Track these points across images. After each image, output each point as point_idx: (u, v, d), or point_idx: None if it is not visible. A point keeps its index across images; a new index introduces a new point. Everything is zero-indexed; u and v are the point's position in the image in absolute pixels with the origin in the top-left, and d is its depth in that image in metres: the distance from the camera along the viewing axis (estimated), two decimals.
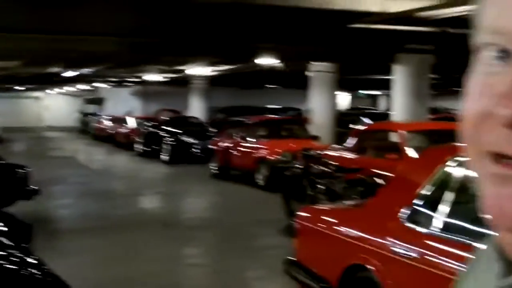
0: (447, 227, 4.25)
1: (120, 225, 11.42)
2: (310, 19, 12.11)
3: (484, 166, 0.67)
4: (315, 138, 17.00)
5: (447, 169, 4.51)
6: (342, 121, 22.41)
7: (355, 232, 5.16)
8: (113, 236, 10.47)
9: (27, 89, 50.72)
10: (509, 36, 0.65)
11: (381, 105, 45.81)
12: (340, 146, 13.33)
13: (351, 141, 12.63)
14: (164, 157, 22.63)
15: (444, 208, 4.33)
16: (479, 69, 0.69)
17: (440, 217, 4.32)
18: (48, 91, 53.28)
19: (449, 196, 4.34)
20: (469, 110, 0.69)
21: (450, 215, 4.29)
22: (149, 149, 24.64)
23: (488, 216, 0.69)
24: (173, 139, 22.76)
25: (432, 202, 4.46)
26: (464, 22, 11.64)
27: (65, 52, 19.82)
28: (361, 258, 4.89)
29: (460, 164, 4.36)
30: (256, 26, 12.93)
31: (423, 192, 4.58)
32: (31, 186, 10.65)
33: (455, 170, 4.43)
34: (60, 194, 15.15)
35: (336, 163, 11.16)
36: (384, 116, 23.41)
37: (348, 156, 12.22)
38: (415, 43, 15.16)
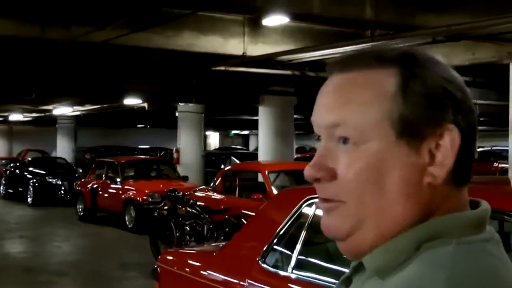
0: (303, 268, 4.30)
1: None
2: (175, 60, 12.23)
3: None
4: (184, 178, 16.99)
5: (304, 209, 4.58)
6: (212, 161, 22.55)
7: (216, 275, 5.16)
8: None
9: None
10: (316, 126, 1.08)
11: (252, 145, 46.56)
12: (207, 187, 13.39)
13: (217, 182, 12.71)
14: (29, 199, 21.89)
15: (300, 248, 4.37)
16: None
17: (296, 258, 4.36)
18: None
19: (305, 236, 4.40)
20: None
21: (307, 255, 4.36)
22: (13, 191, 23.78)
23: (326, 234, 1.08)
24: (37, 181, 22.03)
25: (289, 243, 4.50)
26: (322, 65, 12.16)
27: None
28: None
29: (315, 205, 4.46)
30: (122, 67, 12.88)
31: (281, 232, 4.62)
32: None
33: (311, 210, 4.51)
34: None
35: (203, 204, 11.19)
36: (253, 155, 23.81)
37: (215, 197, 12.28)
38: (278, 85, 15.60)
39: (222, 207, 11.25)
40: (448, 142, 0.99)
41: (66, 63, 13.11)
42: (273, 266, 4.52)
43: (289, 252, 4.44)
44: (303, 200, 4.57)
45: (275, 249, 4.57)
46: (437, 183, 1.00)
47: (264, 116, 16.71)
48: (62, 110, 25.91)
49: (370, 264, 1.03)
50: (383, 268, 1.00)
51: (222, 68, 11.99)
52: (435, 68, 1.02)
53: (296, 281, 4.24)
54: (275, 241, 4.59)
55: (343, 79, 1.05)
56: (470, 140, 1.01)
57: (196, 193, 12.49)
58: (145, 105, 21.25)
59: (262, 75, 12.91)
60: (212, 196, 12.33)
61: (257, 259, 4.66)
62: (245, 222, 9.69)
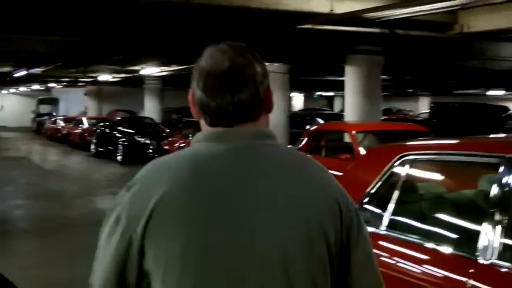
0: (395, 226, 4.21)
1: (72, 225, 11.23)
2: (258, 19, 12.01)
3: None
4: None
5: (395, 168, 4.45)
6: (297, 122, 22.49)
7: None
8: (64, 236, 10.31)
9: None
10: None
11: (337, 106, 46.16)
12: (293, 147, 13.34)
13: (303, 142, 12.64)
14: (119, 157, 22.49)
15: (392, 207, 4.27)
16: None
17: (388, 216, 4.27)
18: (3, 91, 52.24)
19: (397, 195, 4.29)
20: None
21: (398, 213, 4.26)
22: (104, 150, 24.47)
23: None
24: (127, 140, 22.57)
25: (381, 201, 4.41)
26: (412, 23, 11.78)
27: (13, 52, 19.60)
28: None
29: (408, 163, 4.34)
30: (204, 27, 12.81)
31: (372, 191, 4.51)
32: None
33: (403, 169, 4.38)
34: (12, 195, 14.89)
35: None
36: (338, 116, 23.62)
37: None
38: (365, 44, 15.22)
39: None
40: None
41: (149, 24, 13.15)
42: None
43: (380, 211, 4.34)
44: (396, 157, 4.44)
45: (366, 208, 4.47)
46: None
47: (350, 76, 16.43)
48: (149, 70, 26.31)
49: None
50: None
51: (308, 26, 11.73)
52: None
53: (388, 239, 4.13)
54: (365, 199, 4.49)
55: None
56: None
57: None
58: None
59: (348, 34, 12.57)
60: None
61: None
62: None
